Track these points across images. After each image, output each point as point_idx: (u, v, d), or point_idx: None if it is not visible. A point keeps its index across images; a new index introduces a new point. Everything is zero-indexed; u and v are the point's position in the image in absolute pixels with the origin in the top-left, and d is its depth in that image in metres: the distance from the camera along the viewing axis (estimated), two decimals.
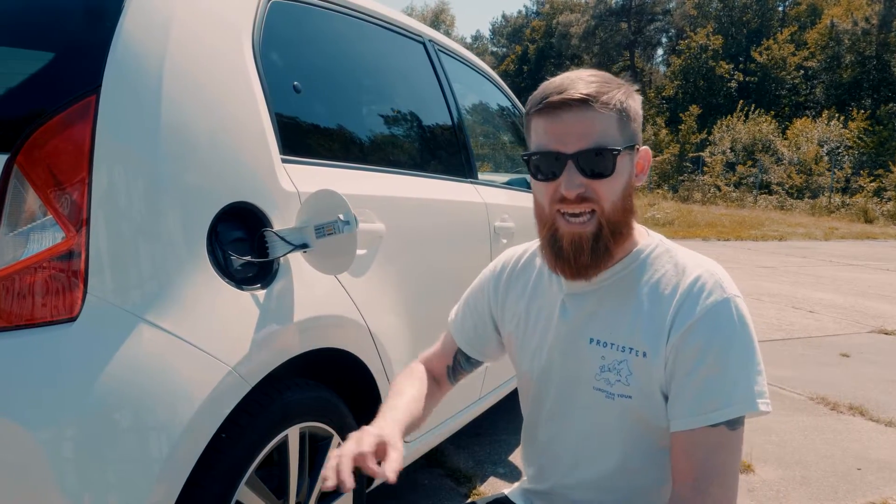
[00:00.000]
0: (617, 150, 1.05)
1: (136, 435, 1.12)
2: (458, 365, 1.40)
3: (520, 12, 62.87)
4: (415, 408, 1.25)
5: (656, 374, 1.10)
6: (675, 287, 1.11)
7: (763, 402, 1.05)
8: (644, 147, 1.14)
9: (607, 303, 1.16)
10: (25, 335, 1.09)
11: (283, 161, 1.51)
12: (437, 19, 56.66)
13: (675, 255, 1.15)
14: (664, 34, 49.64)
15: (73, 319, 1.10)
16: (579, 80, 1.06)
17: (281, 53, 1.64)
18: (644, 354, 1.11)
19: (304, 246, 1.42)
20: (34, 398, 1.06)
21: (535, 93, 1.10)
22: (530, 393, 1.29)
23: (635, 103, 1.10)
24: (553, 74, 1.13)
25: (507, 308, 1.32)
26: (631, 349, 1.12)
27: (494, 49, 62.61)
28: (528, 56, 53.41)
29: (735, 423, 1.05)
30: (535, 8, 59.52)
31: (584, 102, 1.04)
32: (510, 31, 61.00)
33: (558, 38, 49.57)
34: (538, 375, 1.24)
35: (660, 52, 51.85)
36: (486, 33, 77.04)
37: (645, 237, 1.19)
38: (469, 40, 66.69)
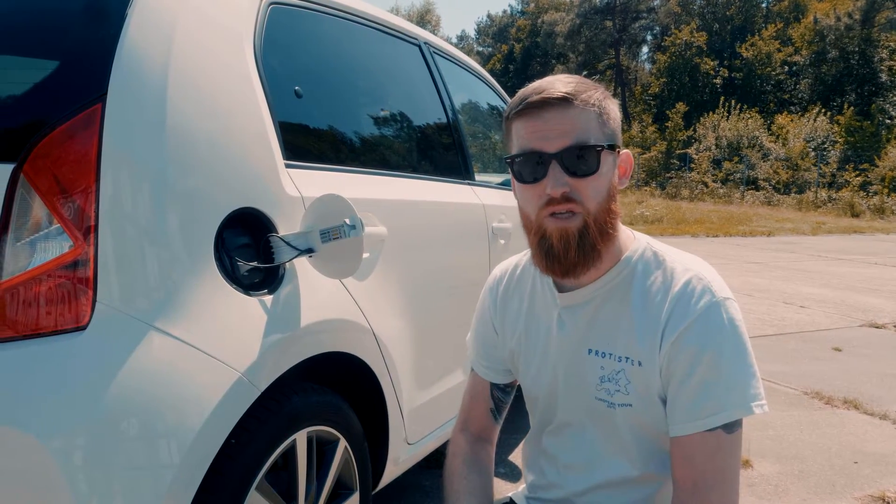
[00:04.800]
0: (600, 146, 1.05)
1: (147, 443, 1.11)
2: (498, 402, 1.39)
3: (505, 12, 63.15)
4: None
5: (653, 382, 1.10)
6: (666, 293, 1.10)
7: (758, 404, 1.04)
8: (625, 150, 1.14)
9: (602, 313, 1.15)
10: (35, 345, 1.08)
11: (287, 166, 1.51)
12: (423, 19, 56.62)
13: (664, 260, 1.14)
14: (649, 32, 49.85)
15: (82, 328, 1.10)
16: (557, 81, 1.07)
17: (281, 58, 1.64)
18: (640, 363, 1.11)
19: (309, 251, 1.42)
20: (45, 408, 1.05)
21: (513, 98, 1.11)
22: (536, 405, 1.29)
23: (613, 105, 1.11)
24: (539, 73, 1.14)
25: (507, 325, 1.32)
26: (627, 359, 1.12)
27: (480, 49, 62.68)
28: (514, 55, 53.54)
29: (732, 427, 1.05)
30: (520, 7, 59.66)
31: (565, 100, 1.04)
32: (495, 31, 61.11)
33: (544, 36, 49.67)
34: (543, 389, 1.25)
35: (645, 49, 52.12)
36: (472, 33, 77.17)
37: (632, 242, 1.18)
38: (455, 40, 66.71)
